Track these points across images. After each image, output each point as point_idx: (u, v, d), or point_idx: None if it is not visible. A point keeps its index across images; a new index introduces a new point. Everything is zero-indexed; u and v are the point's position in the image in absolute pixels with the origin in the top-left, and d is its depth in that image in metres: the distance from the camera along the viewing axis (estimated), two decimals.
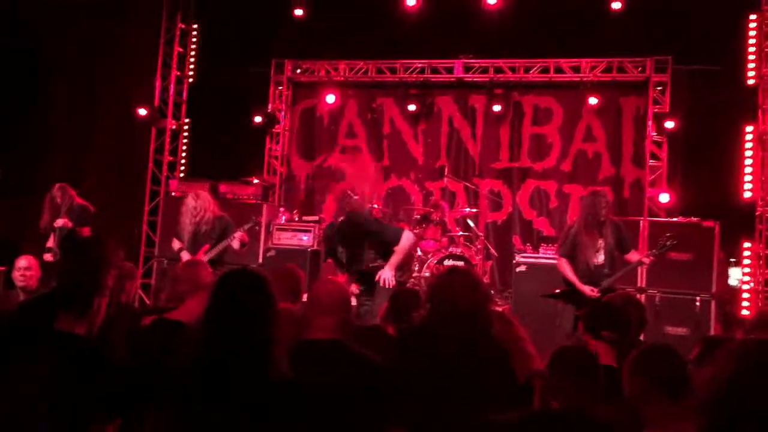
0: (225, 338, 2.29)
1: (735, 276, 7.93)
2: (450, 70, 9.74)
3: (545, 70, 9.43)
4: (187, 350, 2.39)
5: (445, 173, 9.27)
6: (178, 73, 9.67)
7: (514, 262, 7.84)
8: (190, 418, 2.23)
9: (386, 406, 2.63)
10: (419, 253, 8.09)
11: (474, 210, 9.01)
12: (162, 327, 3.20)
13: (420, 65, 9.80)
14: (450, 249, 8.16)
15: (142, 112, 9.18)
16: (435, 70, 9.82)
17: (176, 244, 6.09)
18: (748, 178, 7.79)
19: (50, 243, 6.68)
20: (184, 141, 9.86)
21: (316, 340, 2.81)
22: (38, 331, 2.62)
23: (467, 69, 9.67)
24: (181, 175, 9.71)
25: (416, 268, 7.97)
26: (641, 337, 3.93)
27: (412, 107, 9.80)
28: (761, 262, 7.56)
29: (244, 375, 2.24)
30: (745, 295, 7.60)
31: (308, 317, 2.88)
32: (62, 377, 2.49)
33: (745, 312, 7.49)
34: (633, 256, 5.72)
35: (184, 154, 9.86)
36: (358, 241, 5.45)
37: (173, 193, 8.90)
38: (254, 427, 2.21)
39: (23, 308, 3.11)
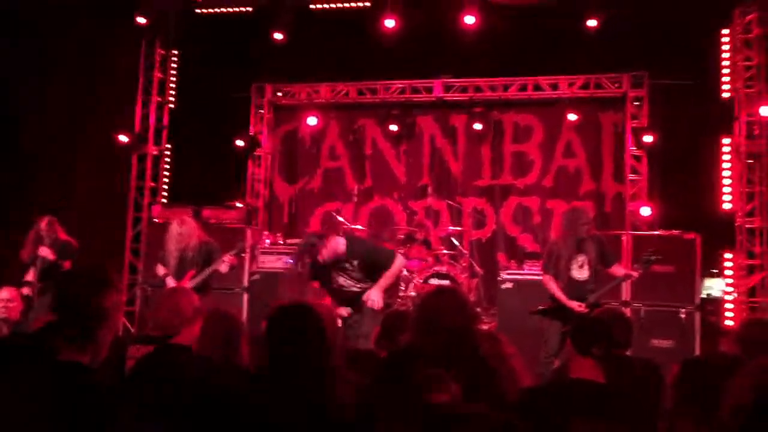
0: (284, 376, 2.24)
1: (717, 287, 8.00)
2: (430, 90, 9.82)
3: (524, 88, 9.54)
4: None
5: (429, 192, 9.30)
6: (159, 99, 9.66)
7: (499, 279, 7.86)
8: None
9: None
10: (405, 272, 8.09)
11: (458, 228, 9.04)
12: (167, 356, 3.17)
13: (400, 86, 9.87)
14: (435, 268, 8.17)
15: (123, 138, 9.15)
16: (415, 90, 9.89)
17: (161, 270, 6.04)
18: (726, 189, 7.91)
19: (29, 277, 6.57)
20: (166, 167, 9.83)
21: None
22: (40, 360, 2.59)
23: (447, 88, 9.75)
24: (164, 200, 9.66)
25: (402, 288, 7.97)
26: (628, 353, 3.95)
27: (393, 128, 9.85)
28: (742, 272, 7.65)
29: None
30: (729, 306, 7.68)
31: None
32: (66, 408, 2.44)
33: (729, 323, 7.56)
34: (617, 270, 5.77)
35: (166, 180, 9.82)
36: (346, 263, 5.43)
37: (156, 219, 8.85)
38: None
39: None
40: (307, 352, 2.29)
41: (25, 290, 6.42)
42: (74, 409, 2.45)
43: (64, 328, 2.59)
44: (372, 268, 5.40)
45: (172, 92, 9.81)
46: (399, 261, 5.52)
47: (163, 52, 9.66)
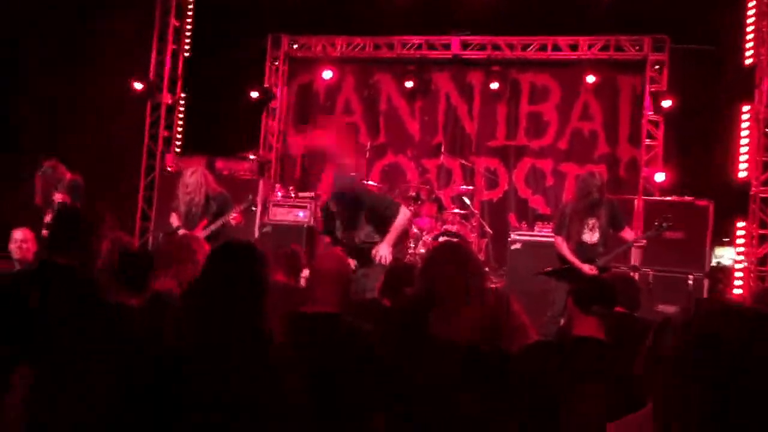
0: (217, 311, 2.29)
1: (728, 255, 7.98)
2: (447, 47, 9.70)
3: (543, 48, 9.40)
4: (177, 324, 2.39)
5: (442, 150, 9.26)
6: (174, 47, 9.60)
7: (508, 239, 7.88)
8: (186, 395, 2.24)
9: (375, 388, 2.65)
10: (414, 230, 8.11)
11: (470, 188, 9.02)
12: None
13: (417, 42, 9.75)
14: (445, 226, 8.18)
15: (138, 86, 9.14)
16: (432, 47, 9.77)
17: (174, 220, 6.09)
18: (743, 158, 7.82)
19: (48, 218, 6.68)
20: (180, 116, 9.83)
21: (316, 313, 2.83)
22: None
23: (464, 46, 9.62)
24: (177, 150, 9.69)
25: (412, 245, 8.00)
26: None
27: (409, 84, 9.76)
28: (754, 241, 7.61)
29: (239, 348, 2.25)
30: (738, 274, 7.67)
31: (310, 288, 2.91)
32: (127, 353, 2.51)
33: (737, 291, 7.56)
34: (627, 234, 5.77)
35: (180, 129, 9.83)
36: (354, 216, 5.46)
37: (169, 168, 8.89)
38: (248, 397, 2.22)
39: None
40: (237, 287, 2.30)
41: (46, 233, 6.51)
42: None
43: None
44: (378, 220, 5.42)
45: (188, 40, 9.74)
46: (403, 213, 5.53)
47: None
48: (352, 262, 5.35)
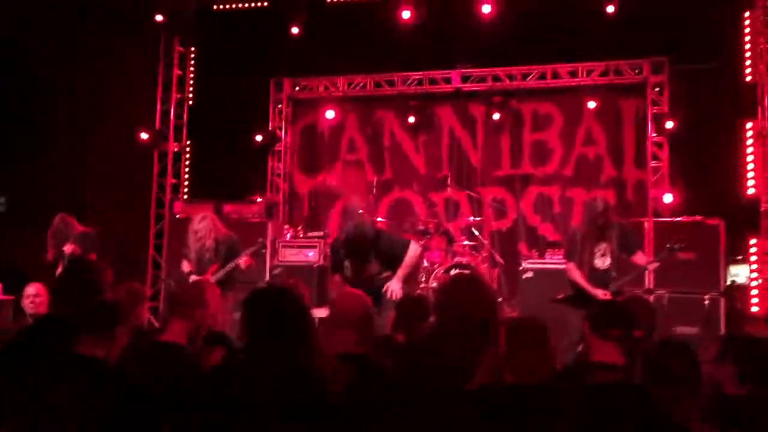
0: (271, 356, 2.26)
1: (742, 273, 7.91)
2: (448, 81, 9.78)
3: (543, 76, 9.47)
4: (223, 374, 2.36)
5: (448, 183, 9.28)
6: (178, 96, 9.74)
7: (520, 268, 7.84)
8: None
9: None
10: (425, 263, 8.09)
11: (478, 219, 9.01)
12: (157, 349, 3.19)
13: (418, 77, 9.84)
14: (456, 259, 8.16)
15: (144, 136, 9.25)
16: (433, 81, 9.86)
17: (186, 266, 6.11)
18: (750, 174, 7.81)
19: (59, 271, 6.71)
20: (187, 163, 9.92)
21: (342, 353, 2.82)
22: (58, 355, 2.63)
23: (465, 78, 9.71)
24: (185, 197, 9.76)
25: (423, 279, 7.97)
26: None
27: (411, 119, 9.82)
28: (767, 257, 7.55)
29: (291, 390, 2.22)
30: (754, 292, 7.59)
31: (330, 330, 2.88)
32: (86, 402, 2.49)
33: (754, 309, 7.47)
34: (639, 258, 5.72)
35: (187, 176, 9.91)
36: (364, 253, 5.45)
37: (178, 216, 8.94)
38: None
39: (31, 330, 3.10)
40: (282, 329, 2.28)
41: None
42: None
43: (86, 322, 2.68)
44: (389, 258, 5.42)
45: (191, 89, 9.89)
46: (414, 248, 5.53)
47: (181, 49, 9.74)
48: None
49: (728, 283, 7.47)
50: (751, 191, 7.78)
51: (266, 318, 2.29)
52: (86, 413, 2.47)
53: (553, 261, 7.53)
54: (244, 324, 2.33)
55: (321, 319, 3.76)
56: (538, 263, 7.77)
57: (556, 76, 9.43)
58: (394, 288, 5.29)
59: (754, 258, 7.70)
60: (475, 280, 3.04)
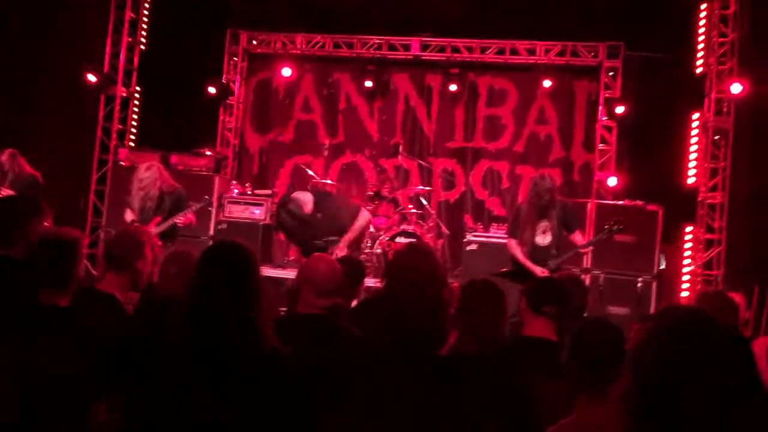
0: (214, 313, 2.26)
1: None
2: (407, 48, 9.73)
3: (501, 51, 9.50)
4: (175, 326, 2.34)
5: (400, 151, 9.29)
6: (130, 40, 9.42)
7: (464, 240, 7.95)
8: (184, 394, 2.21)
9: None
10: (371, 229, 8.12)
11: (427, 188, 9.07)
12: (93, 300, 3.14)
13: (378, 41, 9.76)
14: (402, 226, 8.21)
15: (92, 78, 8.94)
16: (392, 47, 9.79)
17: (129, 215, 5.98)
18: (692, 164, 8.03)
19: None
20: (135, 109, 9.65)
21: (306, 314, 2.83)
22: (23, 306, 2.57)
23: (424, 47, 9.67)
24: (131, 144, 9.51)
25: (368, 245, 8.01)
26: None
27: (368, 84, 9.77)
28: (701, 246, 7.83)
29: (236, 349, 2.23)
30: (685, 278, 7.87)
31: (303, 295, 2.88)
32: (55, 353, 2.45)
33: (684, 294, 7.76)
34: (577, 237, 5.86)
35: (134, 123, 9.65)
36: (313, 216, 5.45)
37: (122, 163, 8.73)
38: (248, 400, 2.20)
39: None
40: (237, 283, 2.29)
41: None
42: None
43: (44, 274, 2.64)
44: (337, 222, 5.43)
45: (144, 33, 9.57)
46: (363, 216, 5.55)
47: None
48: None
49: (661, 267, 7.73)
50: (691, 180, 8.02)
51: (223, 271, 2.29)
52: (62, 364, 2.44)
53: (498, 235, 7.65)
54: (198, 276, 2.32)
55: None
56: (483, 236, 7.89)
57: (514, 52, 9.48)
58: (338, 252, 5.30)
59: (688, 245, 7.97)
60: (430, 250, 3.07)
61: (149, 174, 5.89)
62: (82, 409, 2.44)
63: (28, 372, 2.42)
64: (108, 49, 9.23)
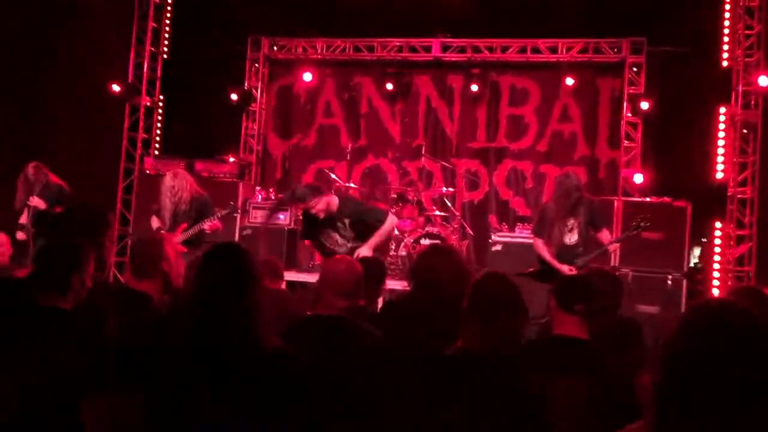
0: (214, 313, 2.27)
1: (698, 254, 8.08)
2: (428, 49, 9.71)
3: (522, 50, 9.44)
4: (176, 325, 2.37)
5: (422, 153, 9.27)
6: (152, 49, 9.52)
7: (489, 241, 7.90)
8: (184, 392, 2.22)
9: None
10: (396, 232, 8.11)
11: (451, 189, 9.03)
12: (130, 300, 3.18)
13: (398, 44, 9.75)
14: (427, 228, 8.19)
15: (116, 88, 9.05)
16: (413, 49, 9.78)
17: (155, 223, 6.02)
18: (720, 159, 7.90)
19: (23, 220, 6.59)
20: (159, 118, 9.75)
21: (325, 315, 2.83)
22: (22, 308, 2.61)
23: (445, 48, 9.64)
24: (156, 152, 9.61)
25: (393, 247, 8.00)
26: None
27: (389, 86, 9.77)
28: (731, 242, 7.70)
29: (236, 349, 2.24)
30: (716, 274, 7.74)
31: (321, 295, 2.88)
32: (51, 352, 2.48)
33: (715, 291, 7.63)
34: (604, 235, 5.77)
35: (158, 132, 9.75)
36: (338, 222, 5.44)
37: (148, 171, 8.82)
38: (247, 398, 2.21)
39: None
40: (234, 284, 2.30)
41: (20, 235, 6.43)
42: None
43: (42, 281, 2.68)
44: (363, 227, 5.41)
45: (166, 42, 9.67)
46: (390, 220, 5.54)
47: (157, 1, 9.49)
48: None
49: (691, 265, 7.62)
50: (719, 176, 7.89)
51: (223, 272, 2.30)
52: (53, 365, 2.46)
53: (523, 235, 7.59)
54: (197, 276, 2.33)
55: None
56: (508, 237, 7.83)
57: (535, 50, 9.41)
58: (363, 253, 5.29)
59: (718, 241, 7.84)
60: (453, 252, 3.06)
61: (178, 181, 5.91)
62: (80, 408, 2.47)
63: (27, 372, 2.45)
64: (131, 59, 9.34)
